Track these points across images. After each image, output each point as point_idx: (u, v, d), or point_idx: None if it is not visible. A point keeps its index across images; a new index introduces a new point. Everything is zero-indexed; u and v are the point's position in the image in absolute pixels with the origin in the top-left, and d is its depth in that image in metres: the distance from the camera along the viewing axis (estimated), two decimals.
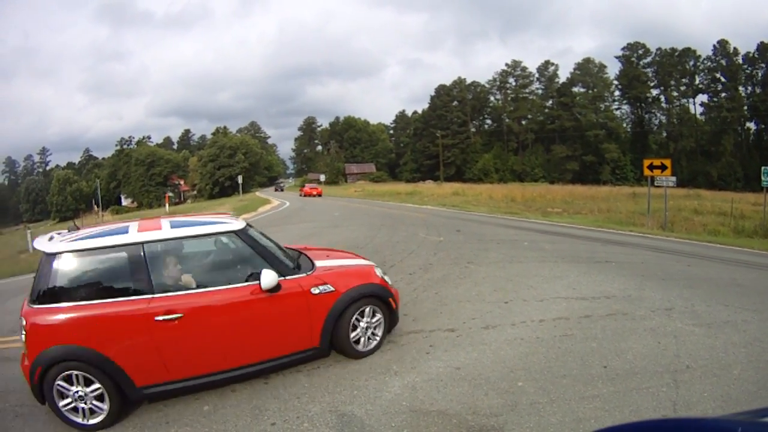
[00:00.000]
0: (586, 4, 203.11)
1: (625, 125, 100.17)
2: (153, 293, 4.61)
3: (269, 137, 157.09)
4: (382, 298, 5.80)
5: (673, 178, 19.83)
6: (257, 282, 4.91)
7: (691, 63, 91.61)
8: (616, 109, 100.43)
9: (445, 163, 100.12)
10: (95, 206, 41.53)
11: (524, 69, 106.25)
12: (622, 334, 6.07)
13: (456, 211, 28.03)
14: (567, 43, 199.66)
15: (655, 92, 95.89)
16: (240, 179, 59.23)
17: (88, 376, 4.32)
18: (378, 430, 4.09)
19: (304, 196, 54.28)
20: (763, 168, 20.44)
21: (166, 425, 4.31)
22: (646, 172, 19.96)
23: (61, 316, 4.38)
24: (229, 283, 5.01)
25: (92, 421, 4.36)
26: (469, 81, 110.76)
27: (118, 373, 4.38)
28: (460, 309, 7.36)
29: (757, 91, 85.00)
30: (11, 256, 18.49)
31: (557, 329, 6.31)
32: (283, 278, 5.07)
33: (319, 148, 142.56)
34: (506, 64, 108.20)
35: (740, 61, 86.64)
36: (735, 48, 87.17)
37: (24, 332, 4.37)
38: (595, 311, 7.08)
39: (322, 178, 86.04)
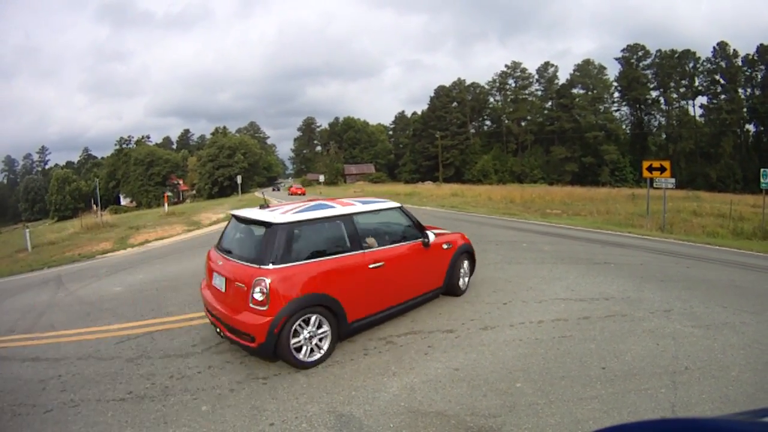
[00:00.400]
0: (585, 6, 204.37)
1: (624, 127, 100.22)
2: (363, 249, 6.19)
3: (268, 137, 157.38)
4: (470, 252, 8.51)
5: (672, 180, 19.81)
6: (418, 240, 7.09)
7: (691, 65, 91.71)
8: (616, 111, 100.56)
9: (444, 164, 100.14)
10: (94, 205, 41.43)
11: (524, 70, 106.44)
12: (620, 336, 6.08)
13: (455, 212, 28.01)
14: (566, 44, 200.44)
15: (654, 94, 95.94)
16: (239, 179, 59.15)
17: (320, 317, 5.57)
18: (376, 430, 4.08)
19: (291, 194, 64.49)
20: (762, 170, 20.43)
21: (164, 425, 4.30)
22: (645, 173, 19.97)
23: (301, 272, 5.50)
24: (394, 243, 6.82)
25: (314, 358, 5.50)
26: (468, 82, 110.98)
27: (341, 311, 5.74)
28: (458, 310, 7.35)
29: (757, 93, 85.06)
30: (9, 255, 18.45)
31: (556, 330, 6.32)
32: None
33: (319, 148, 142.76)
34: (506, 66, 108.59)
35: (740, 63, 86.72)
36: (735, 50, 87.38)
37: (266, 290, 5.19)
38: (594, 313, 7.08)
39: (322, 178, 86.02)
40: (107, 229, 23.99)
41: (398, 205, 7.29)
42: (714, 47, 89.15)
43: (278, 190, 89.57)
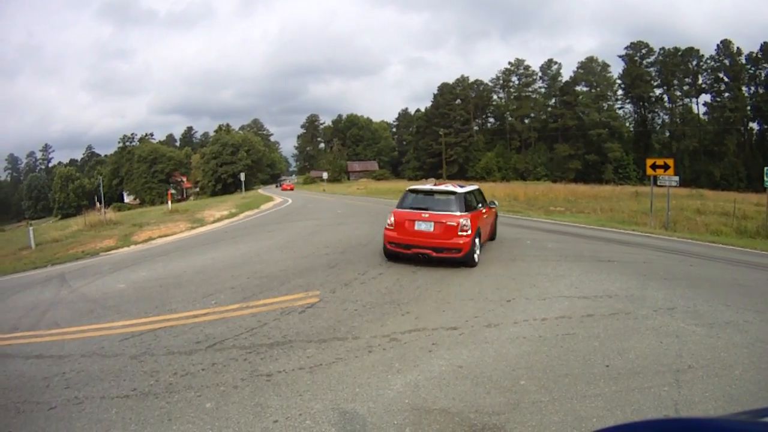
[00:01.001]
0: (587, 3, 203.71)
1: (628, 124, 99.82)
2: (478, 208, 11.58)
3: (272, 134, 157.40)
4: (497, 214, 14.18)
5: (676, 178, 19.81)
6: (489, 206, 12.89)
7: (694, 63, 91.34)
8: (619, 108, 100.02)
9: (448, 161, 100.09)
10: (97, 203, 41.53)
11: (527, 67, 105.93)
12: (624, 334, 6.08)
13: None
14: (568, 42, 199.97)
15: (658, 91, 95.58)
16: (242, 176, 59.27)
17: (477, 239, 10.72)
18: (380, 427, 4.08)
19: (283, 190, 75.17)
20: (765, 168, 20.42)
21: (168, 422, 4.30)
22: (649, 171, 19.95)
23: (473, 216, 10.74)
24: (477, 208, 11.53)
25: (476, 261, 10.65)
26: (471, 79, 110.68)
27: (480, 237, 11.02)
28: (462, 307, 7.36)
29: (761, 91, 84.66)
30: (13, 253, 18.48)
31: (560, 328, 6.32)
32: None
33: (322, 145, 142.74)
34: (509, 63, 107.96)
35: (743, 61, 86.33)
36: (738, 48, 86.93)
37: (468, 224, 10.29)
38: (598, 310, 7.08)
39: (325, 175, 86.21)
40: (111, 227, 24.02)
41: (478, 187, 13.36)
42: (717, 45, 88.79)
43: (280, 186, 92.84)
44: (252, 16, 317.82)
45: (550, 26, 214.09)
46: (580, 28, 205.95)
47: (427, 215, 10.62)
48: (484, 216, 11.86)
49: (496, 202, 14.06)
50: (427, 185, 12.30)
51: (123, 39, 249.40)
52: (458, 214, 10.40)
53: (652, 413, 4.18)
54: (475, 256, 10.56)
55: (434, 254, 10.34)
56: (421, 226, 10.52)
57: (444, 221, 10.35)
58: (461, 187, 11.72)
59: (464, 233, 10.16)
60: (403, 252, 10.76)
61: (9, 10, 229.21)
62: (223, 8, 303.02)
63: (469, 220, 10.29)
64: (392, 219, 10.98)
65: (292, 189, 79.42)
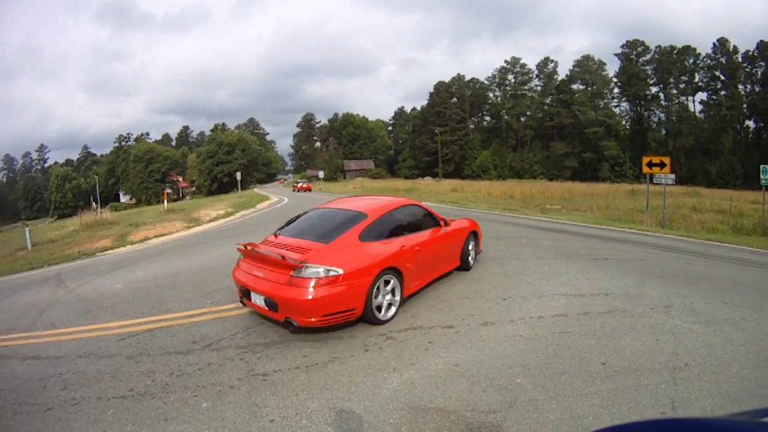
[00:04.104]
0: (577, 3, 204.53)
1: (624, 123, 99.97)
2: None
3: (268, 134, 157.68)
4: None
5: (672, 176, 19.84)
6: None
7: (691, 61, 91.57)
8: (616, 107, 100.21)
9: (444, 159, 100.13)
10: (93, 203, 41.46)
11: (523, 66, 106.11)
12: (620, 332, 6.08)
13: (455, 207, 28.03)
14: (559, 41, 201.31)
15: (654, 90, 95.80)
16: (238, 176, 59.27)
17: None
18: (376, 426, 4.08)
19: (279, 184, 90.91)
20: (761, 166, 20.51)
21: (164, 422, 4.29)
22: (645, 169, 19.97)
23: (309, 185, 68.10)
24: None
25: None
26: (467, 78, 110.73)
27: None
28: (458, 306, 7.35)
29: (757, 89, 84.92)
30: (9, 254, 18.44)
31: (556, 326, 6.31)
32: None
33: (318, 144, 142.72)
34: (505, 61, 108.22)
35: (740, 60, 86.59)
36: (734, 46, 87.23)
37: (308, 185, 66.19)
38: (594, 308, 7.08)
39: (321, 174, 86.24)
40: (107, 227, 23.99)
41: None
42: (714, 43, 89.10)
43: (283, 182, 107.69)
44: (247, 17, 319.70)
45: (541, 27, 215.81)
46: (571, 28, 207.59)
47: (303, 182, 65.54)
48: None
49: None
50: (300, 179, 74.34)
51: (120, 41, 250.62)
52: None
53: (648, 411, 4.18)
54: None
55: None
56: (302, 183, 61.82)
57: (309, 185, 61.96)
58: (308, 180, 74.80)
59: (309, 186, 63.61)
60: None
61: (10, 14, 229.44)
62: (219, 10, 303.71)
63: (307, 182, 66.83)
64: (298, 184, 61.36)
65: (282, 183, 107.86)
